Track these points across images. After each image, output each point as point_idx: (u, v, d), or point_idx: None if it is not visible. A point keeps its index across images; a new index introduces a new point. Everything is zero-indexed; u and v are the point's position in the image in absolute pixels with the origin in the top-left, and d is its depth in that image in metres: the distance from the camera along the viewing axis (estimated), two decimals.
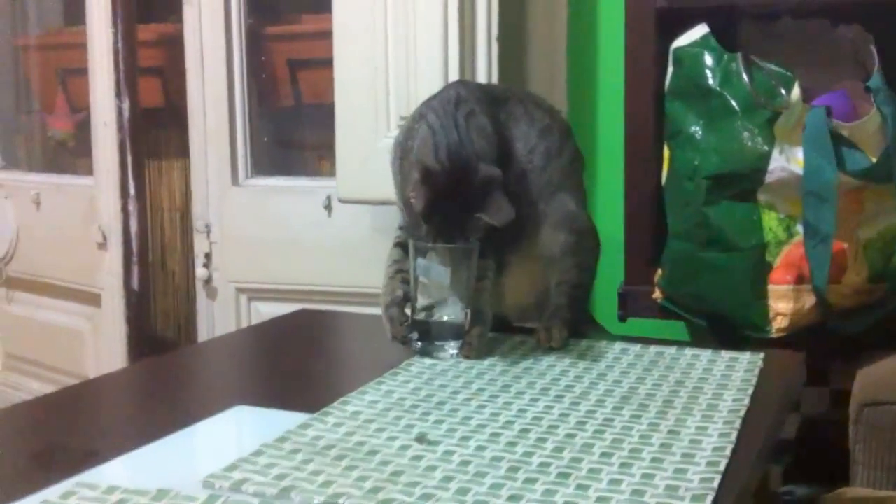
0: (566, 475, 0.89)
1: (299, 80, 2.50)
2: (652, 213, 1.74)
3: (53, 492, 0.86)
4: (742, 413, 1.06)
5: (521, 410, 1.07)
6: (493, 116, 1.33)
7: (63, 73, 2.81)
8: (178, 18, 2.30)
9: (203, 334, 2.26)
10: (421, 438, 0.97)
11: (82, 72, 2.44)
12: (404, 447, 0.96)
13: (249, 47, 2.27)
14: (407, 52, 1.88)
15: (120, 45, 2.33)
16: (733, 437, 0.99)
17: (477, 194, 1.21)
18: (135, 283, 2.35)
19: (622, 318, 1.75)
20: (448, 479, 0.88)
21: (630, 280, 1.76)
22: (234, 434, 1.06)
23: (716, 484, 0.87)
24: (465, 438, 0.98)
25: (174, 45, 2.40)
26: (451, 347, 1.28)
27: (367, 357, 1.39)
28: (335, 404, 1.08)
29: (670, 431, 1.00)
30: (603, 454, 0.94)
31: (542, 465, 0.91)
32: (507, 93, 1.43)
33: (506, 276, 1.36)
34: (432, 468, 0.90)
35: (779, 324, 1.53)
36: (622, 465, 0.92)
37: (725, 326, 1.58)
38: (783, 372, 1.26)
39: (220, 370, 1.37)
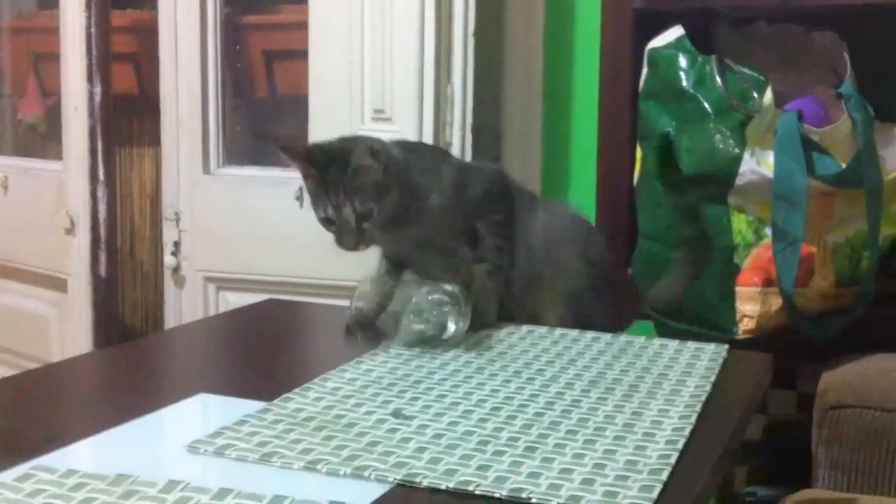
0: (533, 449, 0.92)
1: (275, 71, 2.49)
2: (624, 213, 1.74)
3: (9, 475, 0.85)
4: (703, 398, 1.09)
5: (493, 390, 1.10)
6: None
7: (35, 57, 2.78)
8: (153, 5, 2.28)
9: (170, 323, 2.25)
10: (397, 413, 1.01)
11: (54, 56, 2.41)
12: (381, 420, 0.99)
13: (225, 36, 2.25)
14: (383, 46, 1.88)
15: (93, 30, 2.30)
16: (693, 418, 1.02)
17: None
18: (102, 270, 2.32)
19: None
20: (421, 449, 0.91)
21: None
22: (195, 421, 1.05)
23: (673, 460, 0.90)
24: (438, 414, 1.01)
25: (148, 32, 2.38)
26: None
27: (332, 348, 1.38)
28: (315, 380, 1.12)
29: (634, 413, 1.04)
30: (569, 431, 0.98)
31: (510, 439, 0.95)
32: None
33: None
34: (407, 440, 0.94)
35: (745, 325, 1.54)
36: (586, 441, 0.95)
37: (692, 326, 1.59)
38: (749, 373, 1.26)
39: (184, 358, 1.36)
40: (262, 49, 2.45)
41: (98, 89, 2.30)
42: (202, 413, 1.06)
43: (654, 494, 0.83)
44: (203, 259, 2.22)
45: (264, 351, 1.33)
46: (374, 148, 1.25)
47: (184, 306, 2.23)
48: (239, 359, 1.32)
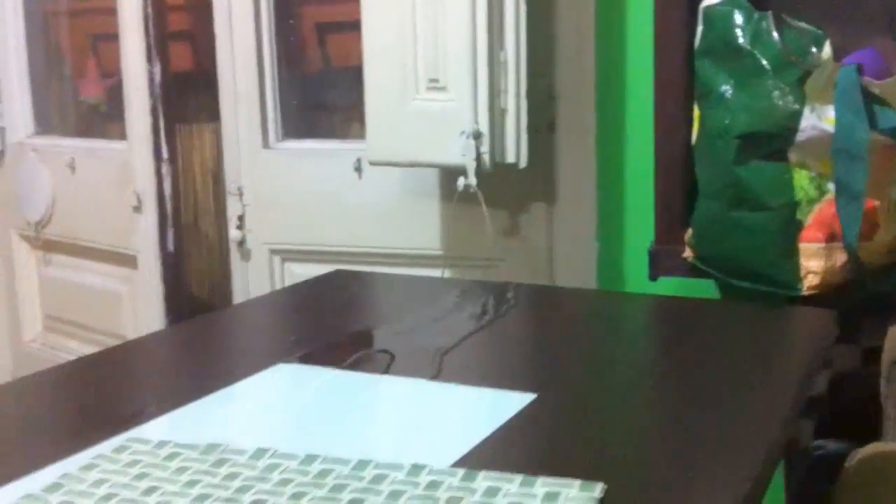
0: None
1: (327, 44, 2.51)
2: (682, 173, 1.74)
3: (106, 446, 0.89)
4: None
5: None
6: None
7: (93, 38, 2.84)
8: None
9: (238, 295, 2.30)
10: None
11: (112, 37, 2.46)
12: None
13: (277, 11, 2.28)
14: (435, 15, 1.89)
15: (150, 10, 2.34)
16: None
17: None
18: (170, 245, 2.39)
19: (653, 277, 1.76)
20: None
21: (660, 239, 1.76)
22: (276, 391, 1.09)
23: None
24: None
25: (201, 9, 2.42)
26: None
27: (404, 316, 1.41)
28: None
29: None
30: None
31: None
32: None
33: None
34: None
35: (810, 282, 1.54)
36: None
37: (755, 284, 1.59)
38: (814, 329, 1.27)
39: (260, 330, 1.40)
40: (314, 22, 2.47)
41: (157, 68, 2.35)
42: (283, 382, 1.10)
43: None
44: (267, 232, 2.26)
45: (337, 320, 1.37)
46: None
47: (250, 278, 2.29)
48: (313, 329, 1.35)
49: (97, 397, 1.06)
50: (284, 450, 0.87)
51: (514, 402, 0.98)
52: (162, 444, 0.89)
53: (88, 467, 0.85)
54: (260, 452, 0.87)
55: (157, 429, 0.95)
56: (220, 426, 0.96)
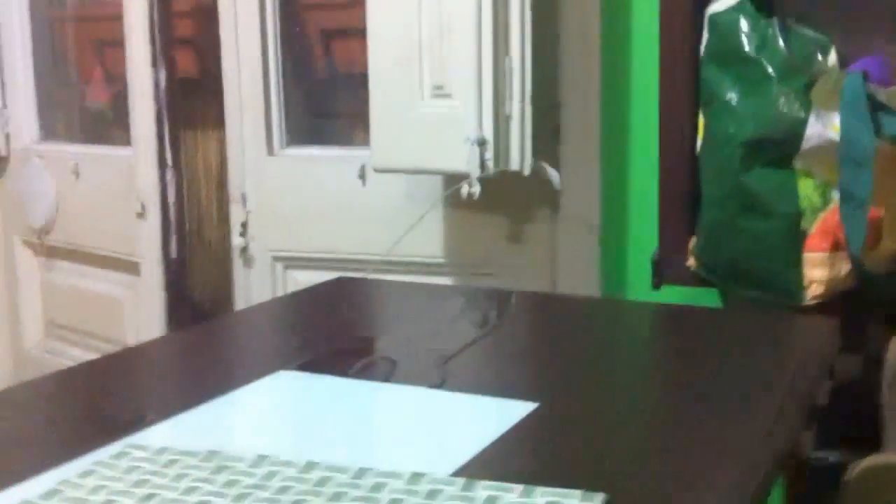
0: None
1: (333, 50, 2.51)
2: (686, 181, 1.74)
3: (105, 453, 0.89)
4: None
5: None
6: None
7: (99, 44, 2.84)
8: None
9: (240, 302, 2.30)
10: None
11: (118, 43, 2.46)
12: None
13: (283, 17, 2.28)
14: (441, 22, 1.88)
15: (155, 16, 2.34)
16: None
17: None
18: (173, 252, 2.38)
19: (656, 286, 1.76)
20: None
21: (664, 248, 1.76)
22: (277, 398, 1.08)
23: None
24: None
25: (206, 15, 2.42)
26: None
27: (406, 323, 1.41)
28: None
29: None
30: None
31: None
32: None
33: None
34: None
35: (813, 291, 1.53)
36: None
37: (758, 292, 1.58)
38: (817, 338, 1.26)
39: (261, 337, 1.40)
40: (320, 28, 2.47)
41: (162, 74, 2.35)
42: (284, 389, 1.10)
43: None
44: (270, 239, 2.26)
45: (339, 327, 1.36)
46: None
47: (253, 286, 2.28)
48: (314, 336, 1.34)
49: (97, 403, 1.06)
50: (284, 457, 0.86)
51: (517, 410, 0.98)
52: (161, 450, 0.89)
53: (87, 473, 0.84)
54: (259, 460, 0.86)
55: (156, 435, 0.94)
56: (220, 433, 0.96)
